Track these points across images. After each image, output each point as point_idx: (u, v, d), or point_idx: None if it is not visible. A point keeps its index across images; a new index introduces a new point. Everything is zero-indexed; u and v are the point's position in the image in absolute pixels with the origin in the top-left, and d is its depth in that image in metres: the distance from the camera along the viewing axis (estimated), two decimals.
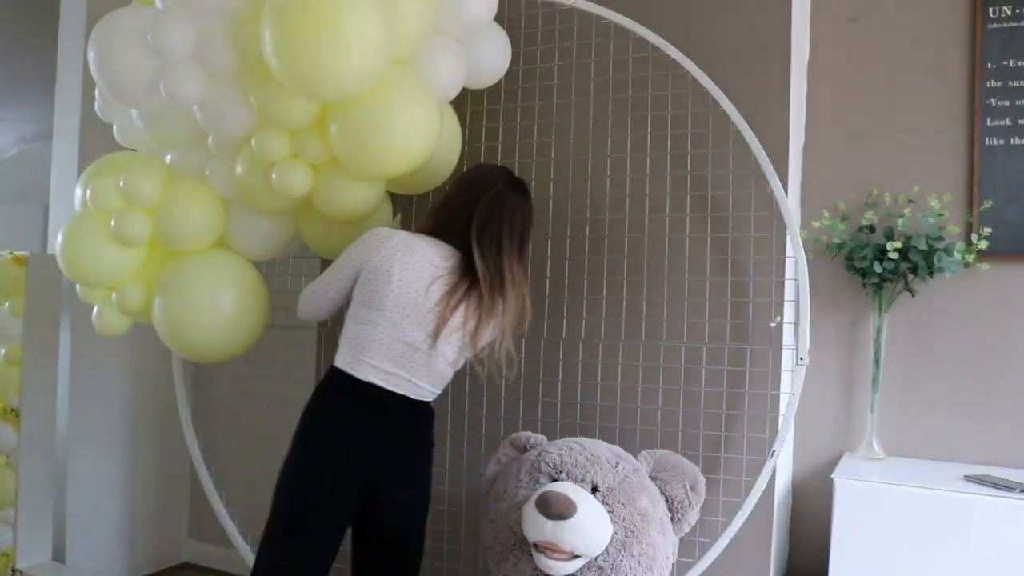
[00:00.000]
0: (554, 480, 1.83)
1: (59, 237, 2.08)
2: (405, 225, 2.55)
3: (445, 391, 2.52)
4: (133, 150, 2.24)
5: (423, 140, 1.89)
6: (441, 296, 1.82)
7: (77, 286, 2.24)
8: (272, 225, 2.18)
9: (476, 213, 1.87)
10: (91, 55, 1.89)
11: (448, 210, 1.92)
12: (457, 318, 1.83)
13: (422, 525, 1.98)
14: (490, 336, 1.89)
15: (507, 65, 2.26)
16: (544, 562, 1.74)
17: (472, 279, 1.85)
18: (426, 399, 1.90)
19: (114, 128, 2.19)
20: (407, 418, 1.88)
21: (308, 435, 1.85)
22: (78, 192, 2.14)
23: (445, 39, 2.04)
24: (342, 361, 1.85)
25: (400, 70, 1.88)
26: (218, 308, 2.08)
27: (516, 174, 2.08)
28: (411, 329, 1.81)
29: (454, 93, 2.10)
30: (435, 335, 1.82)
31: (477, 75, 2.18)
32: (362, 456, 1.81)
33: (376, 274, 1.81)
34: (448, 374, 1.92)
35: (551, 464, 1.85)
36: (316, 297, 1.94)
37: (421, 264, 1.82)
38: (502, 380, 1.99)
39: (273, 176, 1.93)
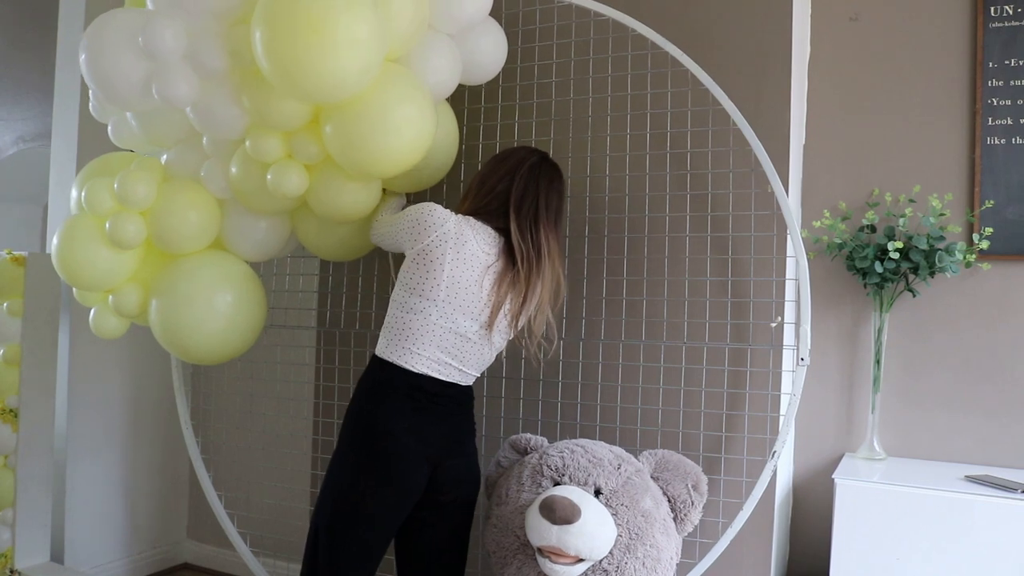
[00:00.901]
0: (557, 483, 1.83)
1: (54, 240, 2.07)
2: None
3: None
4: (130, 151, 2.24)
5: (418, 139, 1.87)
6: (493, 286, 1.83)
7: (74, 289, 2.23)
8: (268, 226, 2.17)
9: (514, 185, 1.89)
10: (82, 58, 1.87)
11: (485, 187, 1.92)
12: (506, 304, 1.85)
13: (474, 502, 1.97)
14: (529, 313, 1.89)
15: (503, 61, 2.25)
16: (549, 567, 1.73)
17: (512, 257, 1.86)
18: (470, 383, 1.92)
19: (109, 129, 2.18)
20: (459, 405, 1.89)
21: (368, 434, 1.79)
22: (74, 194, 2.13)
23: (439, 36, 2.03)
24: (392, 353, 1.82)
25: (394, 69, 1.87)
26: (214, 310, 2.07)
27: None
28: (464, 320, 1.81)
29: (449, 91, 2.09)
30: (490, 325, 1.83)
31: (473, 72, 2.17)
32: (427, 450, 1.80)
33: (424, 260, 1.80)
34: (492, 358, 1.94)
35: (553, 467, 1.85)
36: (382, 238, 2.00)
37: (473, 254, 1.82)
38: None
39: (268, 177, 1.92)
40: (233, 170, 1.99)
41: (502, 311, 1.85)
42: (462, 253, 1.80)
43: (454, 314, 1.80)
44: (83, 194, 2.04)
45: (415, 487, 1.81)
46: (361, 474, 1.78)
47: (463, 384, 1.88)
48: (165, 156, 2.12)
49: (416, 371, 1.79)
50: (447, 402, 1.84)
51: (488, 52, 2.17)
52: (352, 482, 1.79)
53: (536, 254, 1.86)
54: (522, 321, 1.89)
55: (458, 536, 1.95)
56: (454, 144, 2.22)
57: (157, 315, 2.06)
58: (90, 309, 2.23)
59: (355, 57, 1.66)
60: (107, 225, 2.00)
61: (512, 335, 1.93)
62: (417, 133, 1.86)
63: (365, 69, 1.70)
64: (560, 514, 1.69)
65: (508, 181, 1.90)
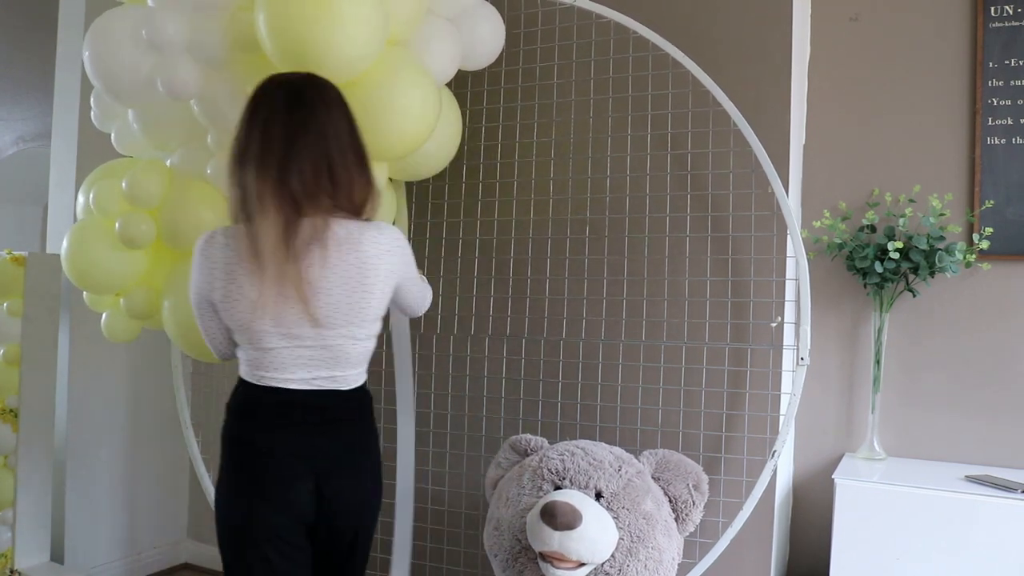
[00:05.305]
0: (557, 487, 1.82)
1: (64, 244, 2.07)
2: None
3: (444, 391, 2.53)
4: (131, 157, 2.24)
5: (422, 120, 1.88)
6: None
7: (84, 293, 2.23)
8: None
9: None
10: (86, 55, 1.88)
11: (230, 180, 1.55)
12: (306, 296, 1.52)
13: (371, 524, 1.70)
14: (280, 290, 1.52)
15: (501, 47, 2.25)
16: (551, 571, 1.73)
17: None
18: (356, 384, 1.64)
19: (112, 136, 2.19)
20: (341, 414, 1.63)
21: (239, 454, 1.60)
22: (80, 199, 2.13)
23: (438, 19, 2.04)
24: (251, 375, 1.61)
25: (395, 51, 1.88)
26: None
27: (517, 173, 2.08)
28: (274, 334, 1.55)
29: (450, 74, 2.10)
30: (314, 322, 1.53)
31: (472, 57, 2.17)
32: (304, 464, 1.58)
33: (211, 304, 1.59)
34: (357, 347, 1.61)
35: (554, 471, 1.85)
36: None
37: (225, 272, 1.53)
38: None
39: None
40: None
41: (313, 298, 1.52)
42: (218, 281, 1.55)
43: (263, 336, 1.55)
44: (92, 195, 2.04)
45: (304, 497, 1.59)
46: (238, 495, 1.59)
47: (344, 388, 1.62)
48: (169, 160, 2.12)
49: (278, 387, 1.58)
50: (320, 413, 1.60)
51: (485, 37, 2.17)
52: (231, 504, 1.60)
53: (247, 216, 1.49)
54: (316, 303, 1.53)
55: (343, 569, 1.68)
56: (457, 131, 2.22)
57: (171, 315, 2.05)
58: (89, 306, 2.22)
59: (358, 36, 1.67)
60: (117, 225, 2.00)
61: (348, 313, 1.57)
62: (422, 114, 1.87)
63: (368, 48, 1.72)
64: (561, 520, 1.68)
65: (242, 160, 1.54)
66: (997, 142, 2.26)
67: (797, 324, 2.08)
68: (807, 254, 2.13)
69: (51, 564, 2.71)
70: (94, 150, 2.62)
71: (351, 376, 1.64)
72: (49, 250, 2.89)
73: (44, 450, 2.69)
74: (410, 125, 1.86)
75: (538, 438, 2.02)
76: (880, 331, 2.28)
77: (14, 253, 2.67)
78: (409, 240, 2.54)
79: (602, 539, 1.72)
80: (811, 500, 2.43)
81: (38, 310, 2.66)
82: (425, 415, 2.55)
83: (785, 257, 2.17)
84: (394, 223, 2.33)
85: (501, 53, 2.31)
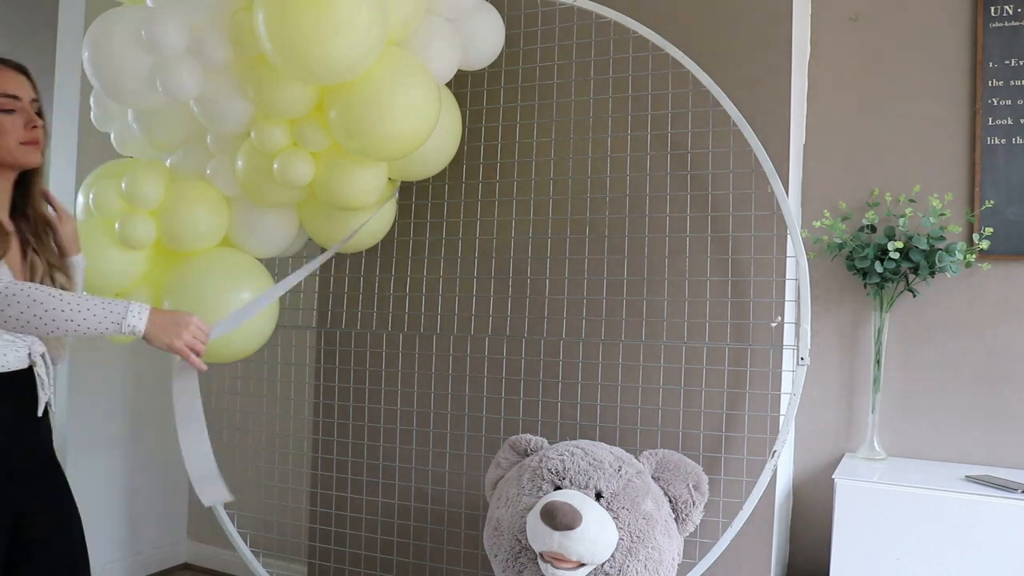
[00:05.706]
0: (557, 487, 1.82)
1: None
2: (403, 209, 2.56)
3: (444, 391, 2.53)
4: (131, 157, 2.24)
5: (424, 120, 1.88)
6: None
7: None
8: (276, 220, 2.17)
9: None
10: (85, 56, 1.89)
11: None
12: None
13: None
14: None
15: (501, 46, 2.25)
16: (551, 571, 1.74)
17: None
18: None
19: (111, 137, 2.19)
20: None
21: None
22: (80, 199, 2.14)
23: (438, 19, 2.04)
24: None
25: (396, 51, 1.88)
26: (228, 308, 2.07)
27: (517, 173, 2.08)
28: None
29: (450, 75, 2.10)
30: None
31: (471, 56, 2.18)
32: None
33: None
34: None
35: (553, 471, 1.85)
36: None
37: None
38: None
39: (275, 166, 1.92)
40: (239, 164, 2.00)
41: None
42: None
43: None
44: (91, 196, 2.05)
45: None
46: None
47: None
48: (169, 160, 2.12)
49: None
50: None
51: (485, 37, 2.18)
52: None
53: None
54: None
55: None
56: (457, 130, 2.22)
57: None
58: None
59: (357, 36, 1.68)
60: (117, 226, 2.00)
61: None
62: (422, 114, 1.87)
63: (368, 48, 1.72)
64: (561, 520, 1.68)
65: None
66: (997, 142, 2.25)
67: (797, 324, 2.08)
68: (807, 254, 2.13)
69: None
70: (94, 150, 2.62)
71: None
72: None
73: None
74: (410, 125, 1.86)
75: (538, 438, 2.02)
76: (880, 331, 2.28)
77: None
78: (409, 240, 2.58)
79: (602, 539, 1.72)
80: (811, 500, 2.43)
81: None
82: (425, 415, 2.56)
83: (785, 257, 2.17)
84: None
85: (501, 53, 2.31)
